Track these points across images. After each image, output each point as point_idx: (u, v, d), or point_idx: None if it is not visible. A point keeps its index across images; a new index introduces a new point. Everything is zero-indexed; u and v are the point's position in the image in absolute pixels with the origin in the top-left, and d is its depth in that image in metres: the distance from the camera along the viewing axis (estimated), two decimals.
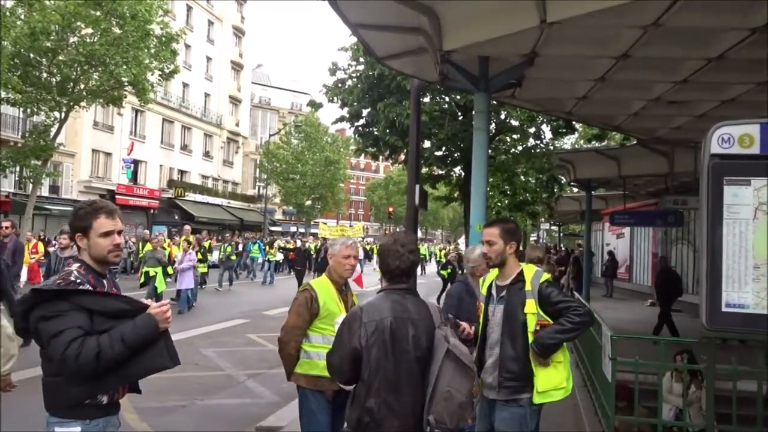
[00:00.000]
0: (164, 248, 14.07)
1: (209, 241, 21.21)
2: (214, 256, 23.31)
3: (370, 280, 24.43)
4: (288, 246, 27.51)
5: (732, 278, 4.86)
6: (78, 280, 2.60)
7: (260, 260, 25.83)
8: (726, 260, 4.86)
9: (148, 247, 14.15)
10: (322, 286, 4.02)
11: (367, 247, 37.12)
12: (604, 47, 6.80)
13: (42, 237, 22.90)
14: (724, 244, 4.84)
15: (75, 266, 2.68)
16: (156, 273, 13.00)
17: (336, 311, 3.91)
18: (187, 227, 18.23)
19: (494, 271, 3.96)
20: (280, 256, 27.07)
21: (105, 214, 2.71)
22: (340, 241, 4.16)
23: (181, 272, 13.89)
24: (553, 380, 3.64)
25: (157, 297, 12.79)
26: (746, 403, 5.28)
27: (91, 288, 2.62)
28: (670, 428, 5.43)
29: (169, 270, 13.80)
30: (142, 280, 13.72)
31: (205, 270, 16.46)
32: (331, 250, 4.15)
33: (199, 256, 15.79)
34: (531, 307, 3.67)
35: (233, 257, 21.90)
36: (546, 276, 3.75)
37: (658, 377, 5.21)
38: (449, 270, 19.95)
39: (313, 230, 43.03)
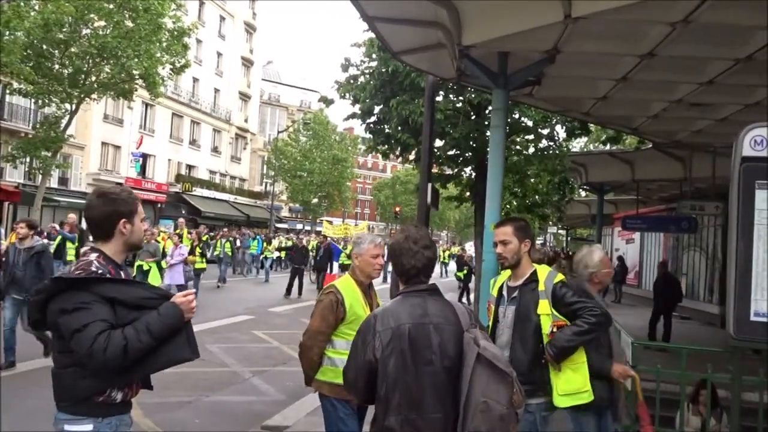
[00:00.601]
0: (158, 241, 13.70)
1: (206, 236, 20.21)
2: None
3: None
4: (286, 244, 26.54)
5: (761, 286, 4.67)
6: (99, 270, 2.47)
7: (260, 257, 25.51)
8: (756, 268, 4.67)
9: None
10: (347, 287, 3.74)
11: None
12: (629, 45, 6.61)
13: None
14: (754, 251, 4.67)
15: (93, 256, 2.53)
16: (150, 267, 12.45)
17: (363, 315, 3.59)
18: (181, 220, 17.78)
19: (506, 272, 3.84)
20: (276, 254, 26.50)
21: (139, 200, 2.71)
22: (368, 239, 3.87)
23: (170, 267, 13.31)
24: (575, 383, 3.50)
25: None
26: None
27: (111, 277, 2.51)
28: None
29: (164, 264, 13.37)
30: (134, 274, 13.20)
31: (204, 266, 16.00)
32: (357, 249, 3.84)
33: (199, 251, 15.47)
34: (545, 307, 3.56)
35: (230, 252, 21.59)
36: (560, 277, 3.63)
37: (680, 386, 5.02)
38: (465, 271, 19.73)
39: (318, 228, 42.92)
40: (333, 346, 3.66)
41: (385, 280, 25.12)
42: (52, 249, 13.54)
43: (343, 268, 20.12)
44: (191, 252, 14.87)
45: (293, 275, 18.18)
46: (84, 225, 14.73)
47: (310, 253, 22.73)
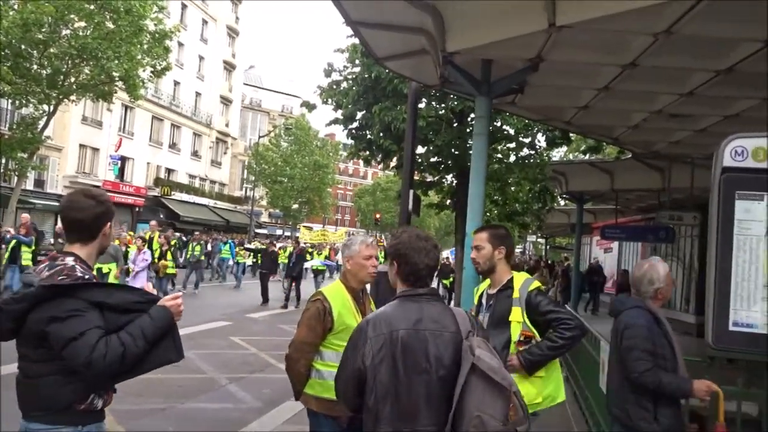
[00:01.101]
0: (126, 245, 13.43)
1: (175, 240, 19.58)
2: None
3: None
4: (254, 246, 25.42)
5: (741, 297, 4.68)
6: (86, 276, 2.41)
7: (230, 262, 24.40)
8: (735, 278, 4.69)
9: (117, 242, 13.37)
10: (336, 294, 3.45)
11: None
12: (612, 54, 6.65)
13: None
14: (733, 261, 4.69)
15: (71, 260, 2.45)
16: (110, 270, 11.61)
17: (353, 324, 3.26)
18: (153, 222, 17.06)
19: (487, 280, 3.80)
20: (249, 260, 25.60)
21: None
22: (359, 240, 3.58)
23: (134, 273, 12.76)
24: (528, 395, 3.40)
25: None
26: (751, 425, 5.11)
27: (99, 282, 2.47)
28: None
29: (129, 269, 12.85)
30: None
31: (174, 272, 15.44)
32: (348, 251, 3.51)
33: (169, 256, 14.88)
34: (517, 315, 3.51)
35: (202, 258, 20.77)
36: (536, 284, 3.59)
37: None
38: (452, 279, 19.61)
39: (298, 234, 42.72)
40: (321, 358, 3.41)
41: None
42: (6, 253, 13.00)
43: (316, 273, 19.81)
44: (162, 257, 14.38)
45: (262, 280, 17.54)
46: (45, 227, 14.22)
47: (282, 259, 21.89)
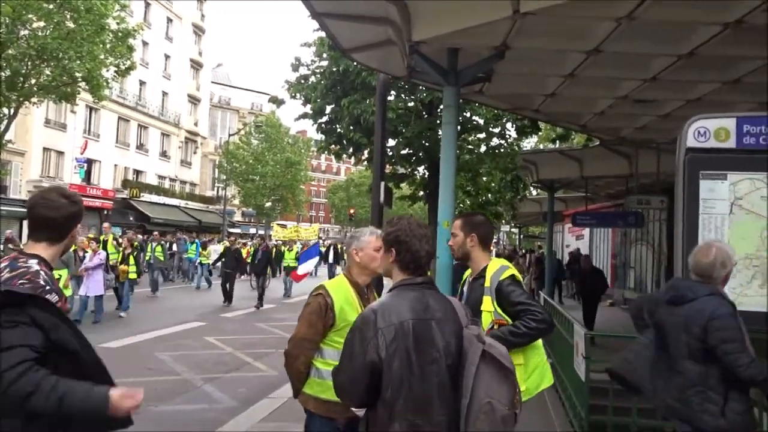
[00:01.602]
0: (84, 250, 12.64)
1: (136, 242, 17.69)
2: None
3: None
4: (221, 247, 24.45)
5: None
6: (47, 287, 2.26)
7: (197, 262, 23.21)
8: None
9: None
10: (339, 288, 3.26)
11: (322, 249, 35.36)
12: (576, 41, 6.70)
13: None
14: (700, 239, 4.76)
15: (34, 262, 2.32)
16: (60, 276, 11.01)
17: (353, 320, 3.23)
18: (106, 224, 16.02)
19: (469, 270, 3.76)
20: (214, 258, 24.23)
21: None
22: (368, 231, 3.39)
23: (88, 276, 12.08)
24: None
25: None
26: None
27: (57, 298, 2.29)
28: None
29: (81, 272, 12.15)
30: None
31: (135, 276, 14.35)
32: (357, 243, 3.34)
33: (131, 260, 14.01)
34: (487, 304, 3.44)
35: (162, 258, 19.84)
36: (509, 272, 3.45)
37: None
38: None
39: (272, 232, 42.36)
40: (321, 356, 3.24)
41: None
42: None
43: (287, 270, 19.58)
44: (123, 261, 13.72)
45: (225, 280, 16.77)
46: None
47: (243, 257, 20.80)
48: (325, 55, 13.47)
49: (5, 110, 21.16)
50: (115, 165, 39.99)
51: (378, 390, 2.24)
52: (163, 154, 45.71)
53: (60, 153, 34.87)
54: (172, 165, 46.84)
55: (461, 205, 20.02)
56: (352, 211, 50.29)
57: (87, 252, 12.76)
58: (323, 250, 32.83)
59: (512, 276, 3.46)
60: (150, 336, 11.04)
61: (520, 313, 3.34)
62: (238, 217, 56.53)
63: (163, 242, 21.24)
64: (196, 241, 24.87)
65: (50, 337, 2.15)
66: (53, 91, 21.55)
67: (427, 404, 2.22)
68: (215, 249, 23.45)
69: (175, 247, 24.50)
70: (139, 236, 23.20)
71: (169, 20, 45.83)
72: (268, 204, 47.66)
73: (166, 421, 6.37)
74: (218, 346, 10.53)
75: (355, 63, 11.02)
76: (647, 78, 7.85)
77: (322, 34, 12.30)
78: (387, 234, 2.45)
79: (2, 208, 27.90)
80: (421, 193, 16.82)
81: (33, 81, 21.14)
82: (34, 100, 21.91)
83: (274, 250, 21.67)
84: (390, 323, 2.24)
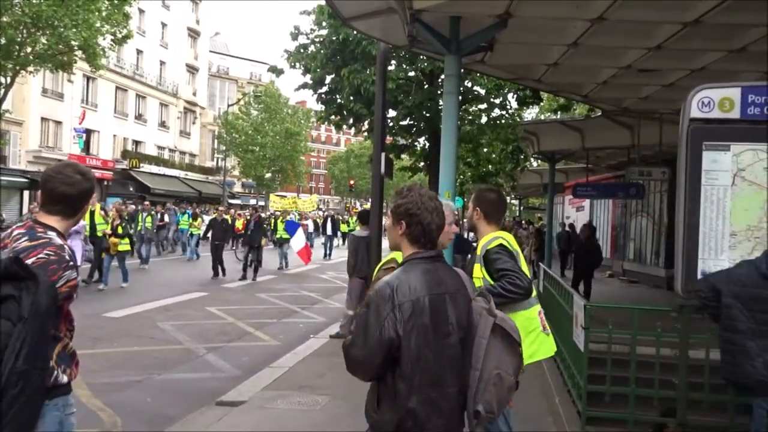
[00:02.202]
0: None
1: (126, 213, 16.52)
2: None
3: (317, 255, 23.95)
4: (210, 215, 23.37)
5: (708, 246, 4.76)
6: (71, 262, 2.39)
7: (188, 233, 22.51)
8: (703, 227, 4.76)
9: None
10: None
11: (319, 220, 33.52)
12: (580, 9, 6.58)
13: None
14: (701, 211, 4.75)
15: (53, 234, 2.41)
16: None
17: None
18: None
19: None
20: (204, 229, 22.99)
21: None
22: (447, 206, 3.24)
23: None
24: None
25: None
26: (716, 372, 5.25)
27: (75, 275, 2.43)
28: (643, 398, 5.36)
29: None
30: None
31: (128, 248, 13.75)
32: None
33: (120, 230, 13.16)
34: (476, 271, 3.64)
35: (150, 227, 19.32)
36: (498, 242, 3.60)
37: (631, 346, 5.11)
38: None
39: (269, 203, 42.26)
40: None
41: (327, 256, 24.45)
42: None
43: (281, 243, 18.96)
44: (113, 233, 13.08)
45: (214, 252, 16.15)
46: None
47: (231, 228, 20.18)
48: (324, 24, 13.28)
49: (1, 79, 20.98)
50: (114, 135, 39.79)
51: (395, 364, 2.23)
52: (162, 125, 45.45)
53: (58, 123, 34.66)
54: (171, 135, 46.61)
55: (461, 176, 19.97)
56: (352, 182, 50.24)
57: None
58: (319, 222, 32.56)
59: (500, 245, 3.59)
60: (152, 306, 11.10)
61: (501, 278, 3.48)
62: (238, 188, 56.47)
63: (153, 212, 20.64)
64: (188, 211, 24.18)
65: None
66: (49, 59, 21.33)
67: (441, 377, 2.25)
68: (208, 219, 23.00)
69: (166, 218, 23.79)
70: (132, 206, 22.16)
71: None
72: (268, 175, 47.56)
73: (169, 389, 6.45)
74: (220, 316, 10.60)
75: (355, 32, 10.86)
76: (652, 47, 7.74)
77: (322, 1, 12.12)
78: (397, 206, 2.39)
79: (2, 178, 27.86)
80: (422, 164, 16.74)
81: (29, 49, 20.92)
82: (30, 69, 21.71)
83: (273, 221, 21.43)
84: (406, 298, 2.21)
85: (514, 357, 2.30)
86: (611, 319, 5.42)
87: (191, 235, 21.97)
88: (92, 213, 12.98)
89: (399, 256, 3.06)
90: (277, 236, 19.46)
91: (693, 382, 5.05)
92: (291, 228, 17.13)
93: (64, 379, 2.40)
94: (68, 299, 2.42)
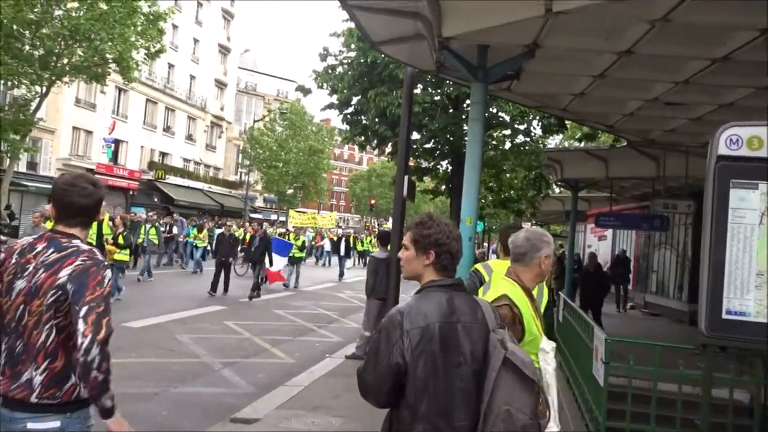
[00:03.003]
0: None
1: (128, 222, 16.19)
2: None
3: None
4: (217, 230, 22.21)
5: (734, 285, 4.70)
6: (105, 262, 2.52)
7: (193, 246, 21.89)
8: (728, 266, 4.70)
9: (48, 224, 11.27)
10: (520, 297, 2.99)
11: (335, 238, 31.72)
12: (608, 41, 6.60)
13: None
14: (727, 250, 4.69)
15: (79, 241, 2.49)
16: None
17: (538, 335, 3.00)
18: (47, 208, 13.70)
19: None
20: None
21: None
22: (549, 235, 3.23)
23: None
24: None
25: None
26: (742, 412, 5.16)
27: (110, 276, 2.59)
28: None
29: None
30: None
31: (126, 258, 13.38)
32: (548, 249, 3.08)
33: (121, 240, 12.71)
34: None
35: (155, 240, 18.26)
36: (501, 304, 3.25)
37: (652, 382, 5.04)
38: None
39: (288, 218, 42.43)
40: None
41: (341, 276, 23.56)
42: None
43: (293, 261, 18.16)
44: (114, 241, 12.66)
45: (218, 268, 15.26)
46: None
47: (240, 244, 19.53)
48: (353, 46, 13.45)
49: (38, 88, 21.53)
50: (142, 146, 40.48)
51: (401, 391, 2.22)
52: (189, 138, 46.14)
53: (89, 132, 35.38)
54: (197, 148, 47.27)
55: (483, 200, 19.92)
56: (373, 201, 50.34)
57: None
58: (334, 239, 30.84)
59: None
60: (171, 318, 11.20)
61: None
62: (260, 203, 56.94)
63: (158, 224, 19.79)
64: (197, 224, 23.63)
65: None
66: (85, 71, 21.89)
67: (450, 408, 2.21)
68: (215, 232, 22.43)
69: (175, 230, 23.28)
70: (143, 215, 21.55)
71: (199, 4, 46.10)
72: (290, 191, 47.97)
73: (185, 402, 6.48)
74: (237, 331, 10.65)
75: (383, 55, 10.99)
76: (679, 81, 7.73)
77: (352, 24, 12.29)
78: (425, 236, 2.37)
79: (32, 184, 28.46)
80: (444, 187, 16.77)
81: (65, 61, 21.48)
82: (65, 79, 22.28)
83: (286, 236, 20.73)
84: (416, 325, 2.21)
85: (529, 394, 2.19)
86: (632, 353, 5.35)
87: (196, 247, 21.41)
88: (100, 223, 12.60)
89: (512, 293, 2.97)
90: (290, 254, 18.52)
91: (715, 422, 4.95)
92: (280, 247, 16.35)
93: (85, 394, 2.42)
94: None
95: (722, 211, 4.72)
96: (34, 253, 2.41)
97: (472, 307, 2.33)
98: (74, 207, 2.50)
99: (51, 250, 2.40)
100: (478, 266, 4.66)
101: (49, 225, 11.37)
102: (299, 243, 19.08)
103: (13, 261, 2.43)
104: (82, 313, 2.29)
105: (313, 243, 31.99)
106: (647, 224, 15.47)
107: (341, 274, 23.98)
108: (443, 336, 2.22)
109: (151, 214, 24.20)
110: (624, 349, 5.84)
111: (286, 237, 20.93)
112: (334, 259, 28.79)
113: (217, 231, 22.20)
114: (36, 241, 2.48)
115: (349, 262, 24.93)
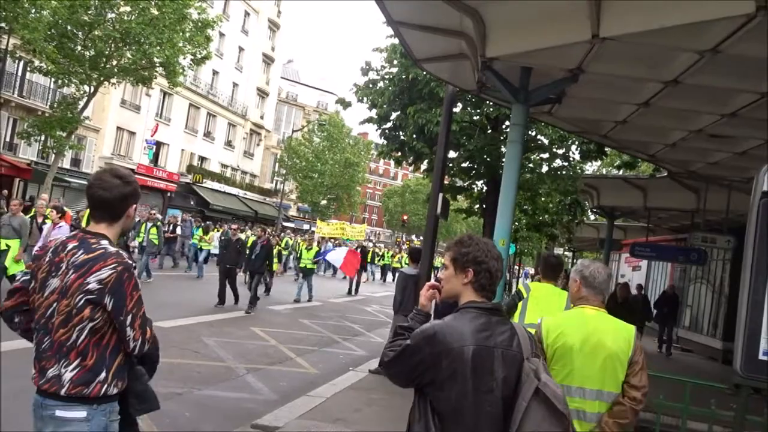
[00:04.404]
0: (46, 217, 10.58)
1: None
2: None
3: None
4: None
5: None
6: (134, 265, 2.58)
7: (197, 248, 20.38)
8: None
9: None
10: None
11: (367, 250, 30.92)
12: (654, 70, 6.53)
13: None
14: None
15: (107, 243, 2.49)
16: (8, 246, 9.64)
17: None
18: (43, 196, 12.10)
19: None
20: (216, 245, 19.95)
21: None
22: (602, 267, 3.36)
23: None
24: None
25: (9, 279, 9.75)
26: None
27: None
28: None
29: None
30: None
31: None
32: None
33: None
34: None
35: (156, 240, 16.78)
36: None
37: (681, 419, 4.90)
38: None
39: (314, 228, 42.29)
40: None
41: (352, 292, 21.15)
42: None
43: (305, 273, 16.95)
44: None
45: (223, 277, 13.73)
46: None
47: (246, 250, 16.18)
48: (395, 62, 13.54)
49: (86, 88, 22.19)
50: (182, 150, 41.28)
51: (431, 409, 2.22)
52: (228, 144, 46.89)
53: (132, 133, 36.27)
54: (236, 155, 47.99)
55: (516, 223, 19.75)
56: (405, 217, 50.32)
57: (47, 221, 10.86)
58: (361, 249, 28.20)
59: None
60: (199, 320, 11.33)
61: None
62: (293, 212, 57.45)
63: (159, 223, 18.13)
64: (202, 225, 22.26)
65: None
66: (132, 73, 22.49)
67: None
68: (216, 236, 21.19)
69: (179, 230, 22.41)
70: (152, 213, 19.31)
71: (247, 14, 47.02)
72: (324, 202, 48.28)
73: (208, 405, 6.54)
74: (263, 338, 10.71)
75: (424, 72, 11.04)
76: (726, 113, 7.57)
77: (395, 41, 12.38)
78: (463, 254, 2.36)
79: (75, 180, 29.25)
80: (477, 207, 16.68)
81: (114, 62, 22.12)
82: (113, 80, 22.92)
83: (298, 247, 18.98)
84: (449, 346, 2.18)
85: (558, 427, 2.14)
86: (662, 388, 5.21)
87: (200, 250, 19.87)
88: (81, 218, 11.42)
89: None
90: (302, 265, 17.40)
91: None
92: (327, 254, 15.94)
93: (114, 391, 2.47)
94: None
95: (764, 249, 4.60)
96: (65, 252, 2.44)
97: (510, 333, 2.29)
98: (95, 200, 2.51)
99: (81, 251, 2.41)
100: (521, 286, 5.46)
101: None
102: (311, 254, 17.59)
103: (47, 259, 2.47)
104: (128, 321, 2.42)
105: None
106: (684, 257, 15.12)
107: (350, 290, 21.45)
108: (477, 359, 2.18)
109: (153, 212, 21.23)
110: (653, 383, 5.69)
111: (298, 247, 19.70)
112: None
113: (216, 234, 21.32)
114: (68, 239, 2.51)
115: (363, 275, 22.06)
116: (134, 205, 2.59)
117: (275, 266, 16.33)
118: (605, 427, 3.06)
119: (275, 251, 16.79)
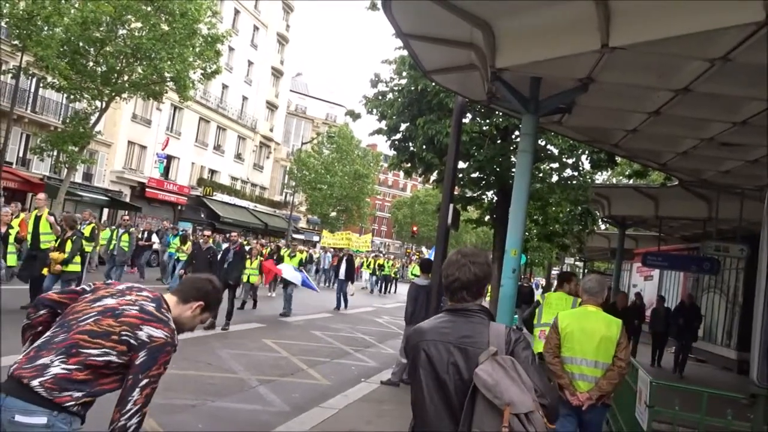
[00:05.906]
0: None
1: (92, 224, 14.11)
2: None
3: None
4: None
5: None
6: (175, 345, 2.78)
7: (175, 258, 18.12)
8: None
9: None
10: None
11: (369, 262, 31.57)
12: (664, 79, 6.52)
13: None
14: None
15: (171, 318, 2.75)
16: None
17: None
18: (41, 195, 11.45)
19: None
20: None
21: None
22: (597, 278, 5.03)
23: None
24: None
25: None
26: None
27: None
28: None
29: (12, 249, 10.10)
30: None
31: (77, 268, 10.41)
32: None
33: (69, 245, 10.13)
34: None
35: (126, 248, 15.88)
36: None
37: (698, 430, 4.85)
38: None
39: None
40: None
41: (340, 306, 18.81)
42: None
43: (285, 284, 15.28)
44: (60, 246, 10.13)
45: None
46: None
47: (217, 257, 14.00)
48: (404, 74, 13.57)
49: (98, 103, 22.44)
50: (193, 163, 41.58)
51: None
52: (238, 157, 47.18)
53: (143, 147, 36.58)
54: (245, 167, 48.25)
55: (527, 233, 19.68)
56: (415, 228, 50.29)
57: (12, 228, 10.32)
58: (334, 262, 26.52)
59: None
60: (211, 332, 11.34)
61: None
62: (303, 224, 57.60)
63: (132, 229, 17.12)
64: (181, 233, 20.08)
65: None
66: (143, 88, 22.76)
67: (434, 426, 2.27)
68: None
69: (154, 237, 21.41)
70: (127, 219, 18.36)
71: (256, 28, 47.47)
72: (333, 213, 48.37)
73: (221, 417, 6.54)
74: (275, 349, 10.72)
75: (434, 84, 11.08)
76: (737, 121, 7.54)
77: (404, 52, 12.44)
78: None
79: (87, 194, 29.51)
80: (487, 218, 16.64)
81: (125, 77, 22.38)
82: (124, 95, 23.19)
83: (277, 255, 17.30)
84: (414, 343, 2.39)
85: (496, 419, 2.11)
86: (677, 398, 5.17)
87: (178, 260, 17.39)
88: (37, 219, 10.50)
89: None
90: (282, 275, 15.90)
91: None
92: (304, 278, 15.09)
93: (76, 410, 2.45)
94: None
95: None
96: (139, 294, 2.66)
97: (476, 330, 2.34)
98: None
99: (153, 305, 2.62)
100: (539, 297, 6.72)
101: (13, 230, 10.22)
102: (295, 262, 16.20)
103: (118, 287, 2.68)
104: (142, 383, 2.47)
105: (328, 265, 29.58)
106: (696, 266, 15.01)
107: (339, 304, 18.91)
108: (429, 354, 2.32)
109: (125, 218, 19.77)
110: (669, 394, 5.64)
111: (277, 255, 17.82)
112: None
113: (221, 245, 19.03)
114: (149, 290, 2.74)
115: (351, 288, 19.63)
116: None
117: (254, 278, 15.01)
118: (601, 385, 4.45)
119: (256, 261, 15.30)
